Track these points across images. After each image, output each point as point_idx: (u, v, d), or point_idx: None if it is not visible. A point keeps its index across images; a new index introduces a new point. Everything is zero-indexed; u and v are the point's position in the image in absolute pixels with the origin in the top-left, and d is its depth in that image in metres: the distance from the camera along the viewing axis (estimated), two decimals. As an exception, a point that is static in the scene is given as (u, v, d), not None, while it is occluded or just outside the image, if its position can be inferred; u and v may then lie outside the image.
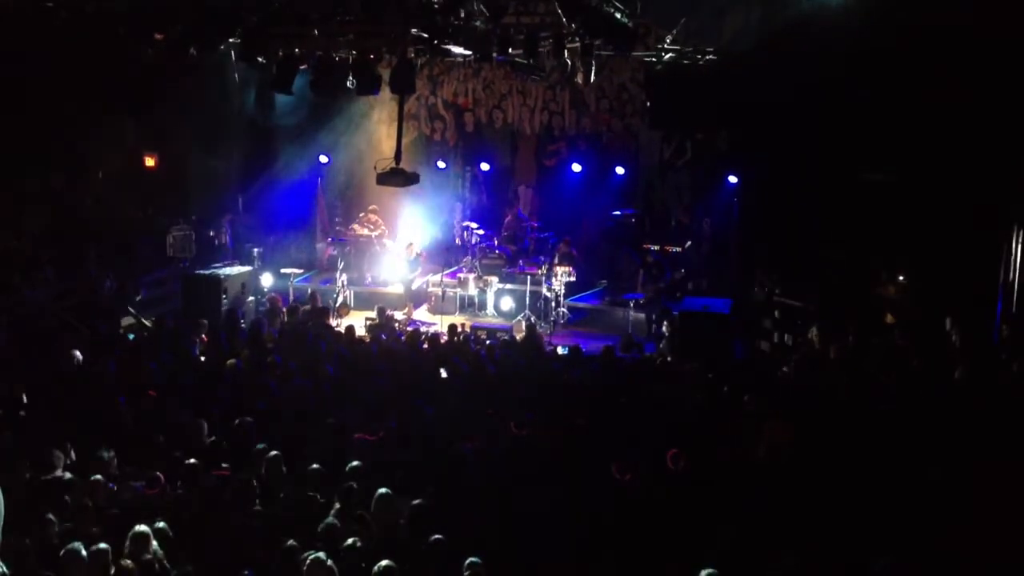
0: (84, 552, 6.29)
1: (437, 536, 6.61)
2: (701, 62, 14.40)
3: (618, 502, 7.50)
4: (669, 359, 12.57)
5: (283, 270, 17.12)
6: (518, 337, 13.60)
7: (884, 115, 13.07)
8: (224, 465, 8.07)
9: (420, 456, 8.45)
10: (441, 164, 18.80)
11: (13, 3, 12.35)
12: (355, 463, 7.89)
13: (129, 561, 6.33)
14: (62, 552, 6.32)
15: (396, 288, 16.59)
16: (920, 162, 13.19)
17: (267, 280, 16.38)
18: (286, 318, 13.94)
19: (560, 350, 13.16)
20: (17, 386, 9.73)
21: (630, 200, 17.44)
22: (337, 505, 7.23)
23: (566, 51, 13.43)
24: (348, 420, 9.18)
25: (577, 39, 12.94)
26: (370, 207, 17.80)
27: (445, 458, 8.23)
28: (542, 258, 16.58)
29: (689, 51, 14.37)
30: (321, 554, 6.21)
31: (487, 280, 16.13)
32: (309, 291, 15.72)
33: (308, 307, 14.35)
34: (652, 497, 7.58)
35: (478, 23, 12.51)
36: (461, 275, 16.55)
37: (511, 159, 18.66)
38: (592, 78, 13.79)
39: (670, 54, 14.76)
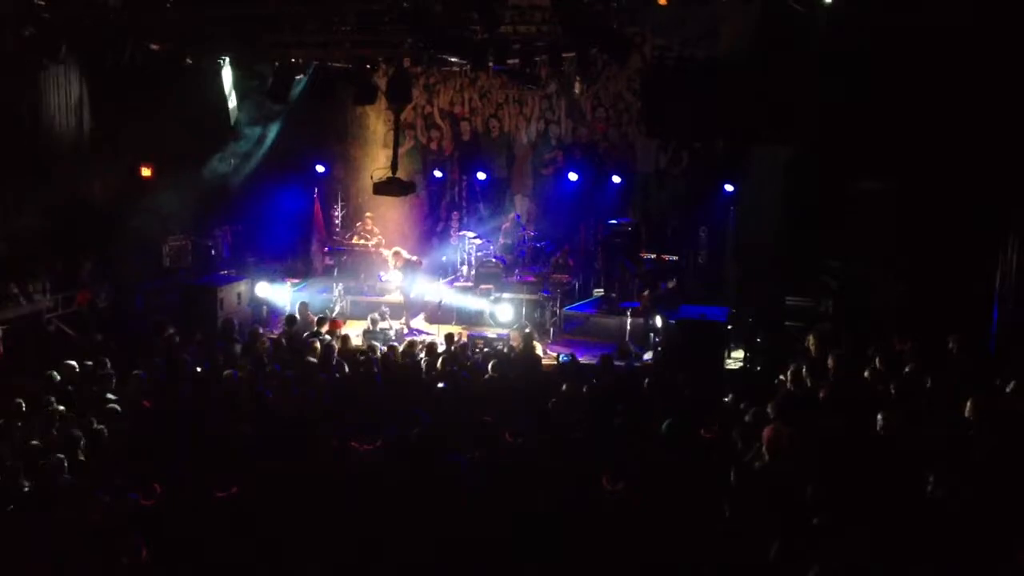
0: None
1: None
2: (694, 66, 14.41)
3: (609, 511, 7.47)
4: (664, 367, 12.55)
5: (280, 280, 17.12)
6: (515, 346, 13.58)
7: (881, 122, 13.09)
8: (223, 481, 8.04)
9: (417, 466, 8.42)
10: (438, 173, 18.83)
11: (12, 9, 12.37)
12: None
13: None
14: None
15: (393, 297, 16.58)
16: (917, 169, 13.20)
17: (263, 290, 16.38)
18: (286, 327, 13.93)
19: (562, 358, 13.15)
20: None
21: (627, 209, 17.45)
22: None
23: (562, 60, 13.46)
24: (345, 429, 9.15)
25: (573, 49, 12.97)
26: (366, 215, 17.81)
27: (442, 467, 8.22)
28: (538, 267, 16.60)
29: (686, 55, 14.40)
30: None
31: (484, 289, 16.14)
32: (301, 302, 15.68)
33: (301, 317, 14.33)
34: (643, 506, 7.56)
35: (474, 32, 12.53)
36: (458, 284, 16.56)
37: (508, 168, 18.68)
38: (588, 87, 13.81)
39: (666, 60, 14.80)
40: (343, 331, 14.56)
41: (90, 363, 11.01)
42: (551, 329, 15.57)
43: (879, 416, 8.56)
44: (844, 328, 12.79)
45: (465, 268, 16.92)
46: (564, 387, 10.63)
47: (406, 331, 15.44)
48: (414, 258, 16.91)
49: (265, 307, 16.27)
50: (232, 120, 15.74)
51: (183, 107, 15.62)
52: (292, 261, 18.56)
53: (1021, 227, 12.65)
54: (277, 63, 14.24)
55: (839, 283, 14.16)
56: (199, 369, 11.47)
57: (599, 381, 11.19)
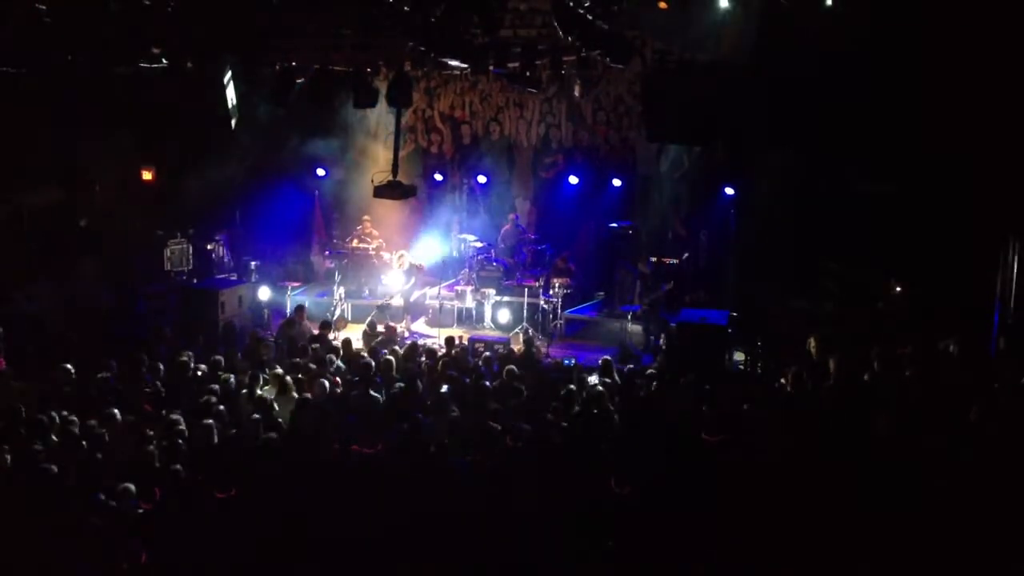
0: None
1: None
2: (695, 70, 14.41)
3: (616, 515, 7.48)
4: (666, 371, 12.54)
5: (281, 284, 17.12)
6: (515, 349, 13.58)
7: (881, 125, 13.09)
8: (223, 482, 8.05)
9: (418, 469, 8.42)
10: (438, 176, 18.83)
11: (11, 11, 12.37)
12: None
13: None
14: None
15: (394, 301, 16.58)
16: (917, 173, 13.21)
17: (264, 294, 16.40)
18: (285, 330, 13.93)
19: (566, 362, 13.16)
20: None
21: (627, 212, 17.43)
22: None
23: (563, 64, 13.45)
24: (346, 433, 9.16)
25: (574, 52, 12.97)
26: (364, 217, 17.79)
27: (443, 471, 8.22)
28: (539, 270, 16.60)
29: (687, 58, 14.39)
30: None
31: (484, 292, 16.14)
32: (297, 305, 15.66)
33: (299, 320, 14.32)
34: (651, 510, 7.57)
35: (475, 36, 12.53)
36: (459, 287, 16.56)
37: (508, 171, 18.67)
38: (588, 90, 13.79)
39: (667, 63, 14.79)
40: (344, 335, 14.58)
41: (90, 365, 11.01)
42: (552, 332, 15.57)
43: (879, 419, 8.58)
44: (845, 331, 12.80)
45: (465, 271, 16.91)
46: (565, 391, 10.64)
47: (407, 335, 15.43)
48: (418, 262, 16.93)
49: (266, 311, 16.27)
50: (233, 124, 15.75)
51: (184, 110, 15.65)
52: (293, 265, 18.56)
53: (1021, 230, 12.65)
54: (278, 67, 14.25)
55: (840, 286, 14.16)
56: (200, 373, 11.46)
57: (600, 384, 11.19)
